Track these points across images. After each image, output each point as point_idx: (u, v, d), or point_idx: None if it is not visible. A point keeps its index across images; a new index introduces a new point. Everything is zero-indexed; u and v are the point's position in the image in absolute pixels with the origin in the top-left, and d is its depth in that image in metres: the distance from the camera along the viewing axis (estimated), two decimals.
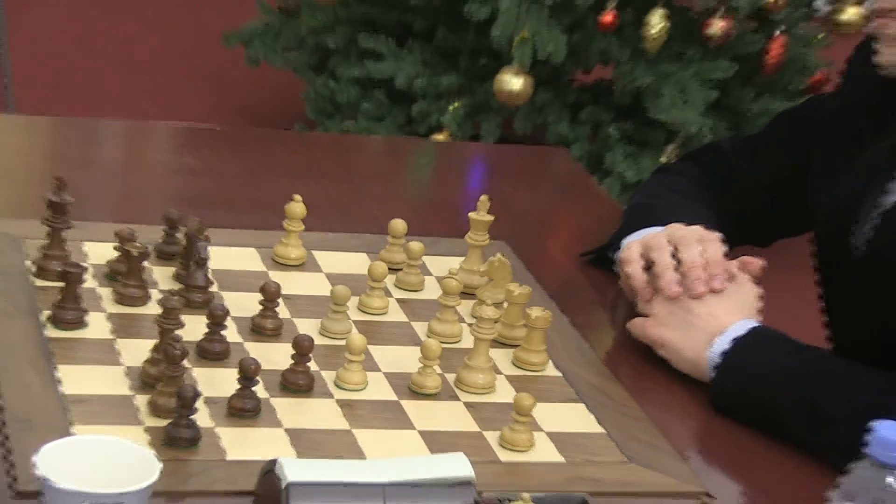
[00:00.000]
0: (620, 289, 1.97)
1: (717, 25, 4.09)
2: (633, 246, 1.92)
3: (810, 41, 4.41)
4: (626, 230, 1.99)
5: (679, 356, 1.83)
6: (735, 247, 1.94)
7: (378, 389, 1.70)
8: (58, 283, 1.73)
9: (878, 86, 1.87)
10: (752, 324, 1.82)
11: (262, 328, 1.76)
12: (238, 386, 1.59)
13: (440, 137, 4.04)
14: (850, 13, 4.38)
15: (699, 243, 1.87)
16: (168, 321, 1.59)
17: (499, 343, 1.81)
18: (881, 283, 1.84)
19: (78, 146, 2.36)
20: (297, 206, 1.93)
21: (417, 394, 1.70)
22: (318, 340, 1.74)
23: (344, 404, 1.66)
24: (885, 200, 1.88)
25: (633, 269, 1.90)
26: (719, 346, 1.79)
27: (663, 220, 1.94)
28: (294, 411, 1.63)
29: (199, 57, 5.22)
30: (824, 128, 2.02)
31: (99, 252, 1.86)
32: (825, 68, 4.39)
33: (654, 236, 1.90)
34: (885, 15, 1.77)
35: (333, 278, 1.90)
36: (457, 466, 1.44)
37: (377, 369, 1.74)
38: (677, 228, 1.90)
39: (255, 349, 1.71)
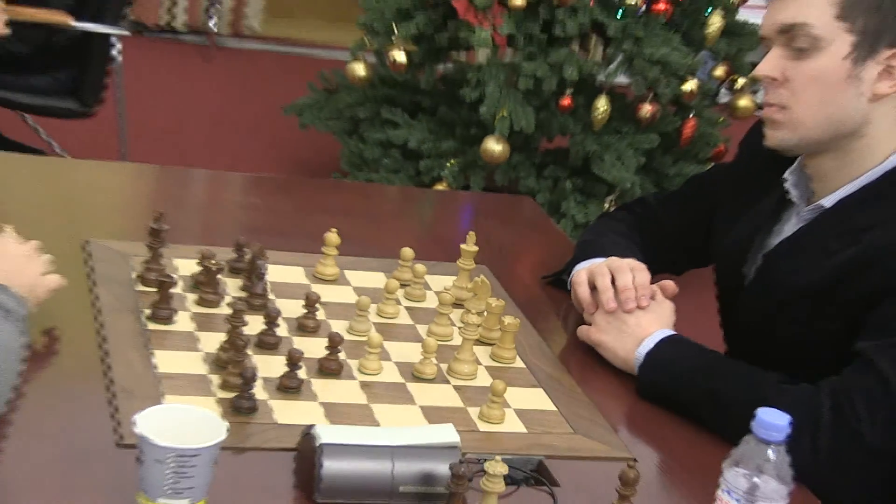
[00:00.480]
0: (571, 304, 1.96)
1: (646, 109, 4.10)
2: (581, 272, 1.92)
3: (714, 122, 4.42)
4: (577, 260, 1.99)
5: (614, 354, 1.83)
6: (656, 274, 1.93)
7: (390, 374, 1.70)
8: (155, 289, 1.73)
9: (765, 157, 1.87)
10: (669, 332, 1.81)
11: (305, 326, 1.76)
12: (286, 369, 1.59)
13: (440, 187, 4.04)
14: (744, 102, 4.39)
15: (631, 271, 1.86)
16: (235, 320, 1.58)
17: (480, 342, 1.81)
18: (764, 306, 1.84)
19: (173, 188, 2.36)
20: (332, 236, 1.92)
21: (419, 378, 1.70)
22: (347, 337, 1.74)
23: (364, 385, 1.66)
24: (769, 243, 1.88)
25: (582, 289, 1.90)
26: (644, 348, 1.79)
27: (605, 253, 1.94)
28: (327, 389, 1.62)
29: (264, 122, 5.23)
30: (723, 188, 2.02)
31: (186, 266, 1.86)
32: (725, 142, 4.40)
33: (597, 265, 1.90)
34: (771, 106, 1.77)
35: (358, 290, 1.90)
36: (447, 434, 1.44)
37: (389, 359, 1.73)
38: (615, 260, 1.90)
39: (299, 342, 1.71)
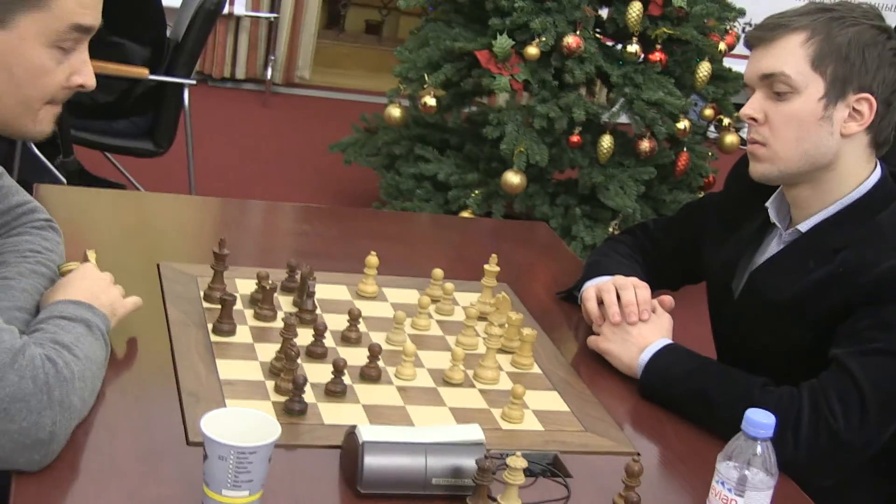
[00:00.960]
0: (582, 316, 1.94)
1: (645, 145, 4.08)
2: (590, 289, 1.90)
3: (704, 156, 4.39)
4: (586, 278, 1.97)
5: (619, 361, 1.81)
6: (656, 289, 1.91)
7: (423, 380, 1.68)
8: (218, 306, 1.72)
9: (749, 187, 1.86)
10: (667, 341, 1.79)
11: (349, 338, 1.75)
12: (332, 376, 1.58)
13: (466, 214, 4.03)
14: (730, 139, 4.37)
15: (634, 288, 1.85)
16: (288, 332, 1.57)
17: (502, 351, 1.79)
18: (750, 318, 1.82)
19: (234, 217, 2.36)
20: (373, 259, 1.91)
21: (448, 383, 1.68)
22: (385, 347, 1.72)
23: (400, 389, 1.64)
24: (754, 262, 1.86)
25: (591, 304, 1.88)
26: (645, 356, 1.77)
27: (610, 272, 1.93)
28: (368, 393, 1.61)
29: (314, 159, 5.23)
30: (713, 214, 2.01)
31: (245, 286, 1.85)
32: (714, 173, 4.38)
33: (604, 283, 1.89)
34: (754, 143, 1.76)
35: (396, 306, 1.89)
36: (473, 432, 1.42)
37: (422, 366, 1.72)
38: (620, 278, 1.88)
39: (344, 352, 1.70)
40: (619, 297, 1.84)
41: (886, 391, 1.61)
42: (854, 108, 1.70)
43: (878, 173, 1.76)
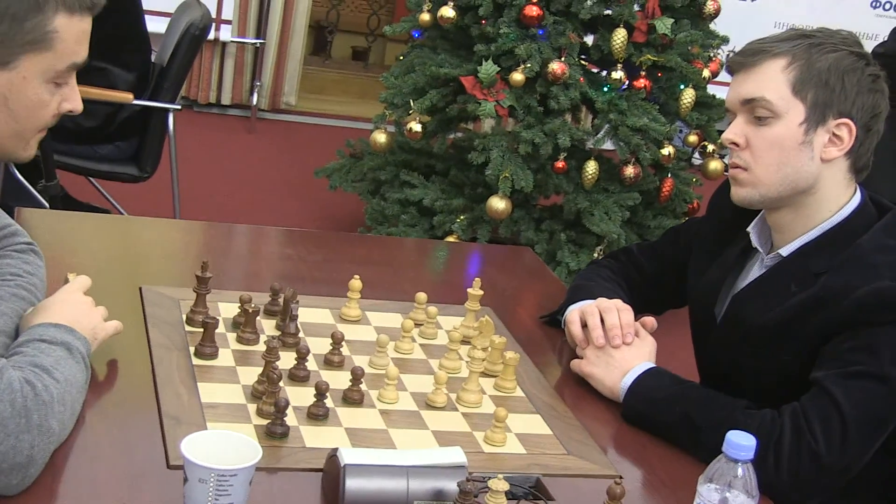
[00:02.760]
0: (565, 340, 1.95)
1: (630, 171, 4.10)
2: (574, 312, 1.91)
3: (689, 182, 4.41)
4: (569, 301, 1.98)
5: (602, 385, 1.81)
6: (639, 313, 1.92)
7: (405, 403, 1.68)
8: (200, 329, 1.72)
9: (731, 213, 1.87)
10: (650, 365, 1.80)
11: (332, 361, 1.74)
12: (314, 399, 1.58)
13: (451, 239, 4.03)
14: (714, 165, 4.39)
15: (617, 312, 1.85)
16: (270, 356, 1.57)
17: (485, 374, 1.79)
18: (732, 341, 1.82)
19: (217, 241, 2.36)
20: (356, 283, 1.91)
21: (431, 407, 1.68)
22: (368, 370, 1.72)
23: (383, 412, 1.64)
24: (736, 286, 1.87)
25: (574, 327, 1.89)
26: (628, 379, 1.77)
27: (593, 296, 1.93)
28: (350, 417, 1.61)
29: (298, 184, 5.24)
30: (696, 239, 2.02)
31: (227, 309, 1.85)
32: (698, 199, 4.40)
33: (588, 306, 1.89)
34: (735, 167, 1.78)
35: (379, 329, 1.89)
36: (455, 455, 1.42)
37: (405, 389, 1.72)
38: (603, 301, 1.88)
39: (326, 375, 1.69)
40: (602, 321, 1.84)
41: (867, 414, 1.62)
42: (834, 133, 1.72)
43: (857, 198, 1.78)
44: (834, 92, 1.70)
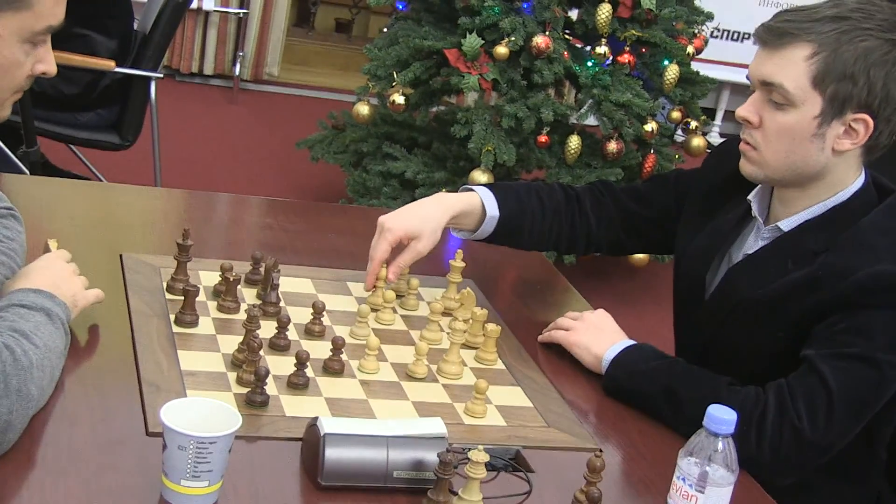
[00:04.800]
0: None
1: (613, 146, 4.09)
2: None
3: (671, 158, 4.40)
4: (493, 189, 2.01)
5: (587, 353, 1.80)
6: (604, 254, 1.89)
7: (386, 374, 1.67)
8: (181, 297, 1.71)
9: (732, 174, 1.83)
10: (633, 342, 1.79)
11: (312, 331, 1.74)
12: (294, 368, 1.57)
13: None
14: (696, 141, 4.39)
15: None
16: (251, 324, 1.57)
17: (466, 346, 1.79)
18: (723, 313, 1.81)
19: (199, 209, 2.34)
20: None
21: (412, 378, 1.68)
22: (349, 340, 1.72)
23: (363, 383, 1.63)
24: (730, 255, 1.85)
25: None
26: (613, 350, 1.77)
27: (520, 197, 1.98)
28: (331, 386, 1.60)
29: (280, 155, 5.22)
30: (690, 194, 1.98)
31: (208, 277, 1.84)
32: None
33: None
34: (746, 144, 1.75)
35: (359, 300, 1.88)
36: (436, 426, 1.41)
37: (386, 360, 1.71)
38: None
39: (307, 345, 1.69)
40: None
41: (854, 395, 1.62)
42: (850, 126, 1.68)
43: (861, 178, 1.76)
44: (857, 86, 1.64)
